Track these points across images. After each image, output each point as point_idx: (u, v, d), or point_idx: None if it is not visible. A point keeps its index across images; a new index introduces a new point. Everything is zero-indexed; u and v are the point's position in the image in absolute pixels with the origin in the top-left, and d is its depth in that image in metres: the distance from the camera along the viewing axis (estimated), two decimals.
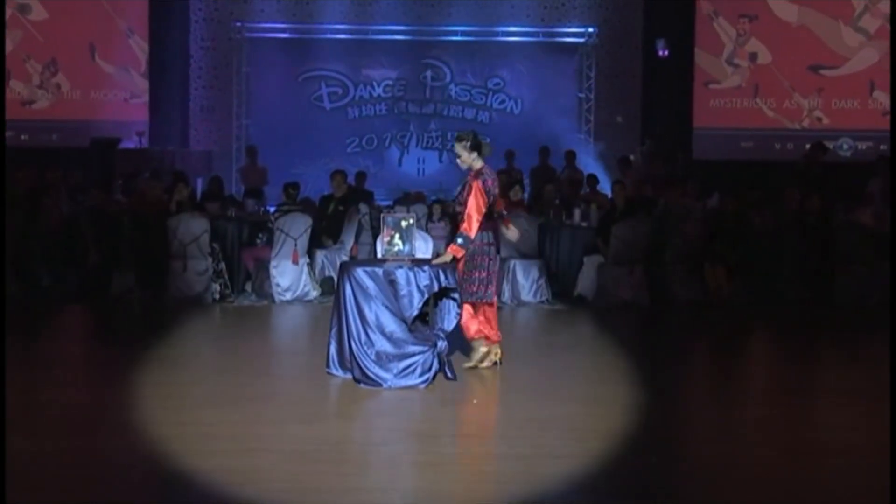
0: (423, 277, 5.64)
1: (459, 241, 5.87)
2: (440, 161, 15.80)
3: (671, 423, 5.16)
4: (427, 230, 10.06)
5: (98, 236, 9.25)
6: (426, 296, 5.67)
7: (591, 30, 15.36)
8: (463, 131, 6.32)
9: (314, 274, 9.62)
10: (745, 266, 9.35)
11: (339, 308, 5.74)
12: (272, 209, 10.16)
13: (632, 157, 14.10)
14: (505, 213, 6.49)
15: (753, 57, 14.45)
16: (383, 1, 15.40)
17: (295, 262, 9.14)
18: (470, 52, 15.65)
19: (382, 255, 5.83)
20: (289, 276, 9.17)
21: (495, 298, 6.21)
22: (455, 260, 5.86)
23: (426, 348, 5.67)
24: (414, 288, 5.63)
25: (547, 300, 9.34)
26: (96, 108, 14.69)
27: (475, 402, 5.40)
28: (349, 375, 5.74)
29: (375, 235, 11.12)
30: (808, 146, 12.43)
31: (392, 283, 5.64)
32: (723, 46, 14.50)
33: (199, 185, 13.43)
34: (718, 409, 5.48)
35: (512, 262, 9.32)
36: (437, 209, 11.41)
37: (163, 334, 7.34)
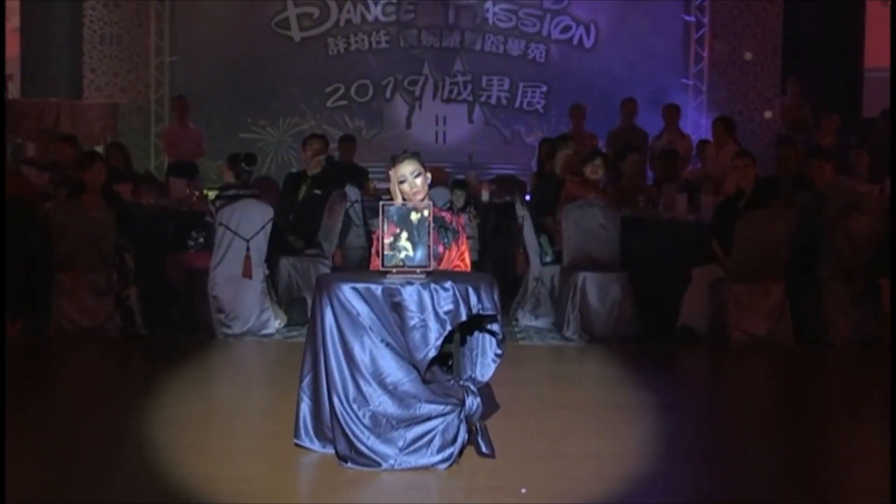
0: (445, 299, 5.63)
1: None
2: (469, 121, 15.87)
3: None
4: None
5: None
6: (449, 328, 5.68)
7: None
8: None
9: (276, 294, 9.65)
10: None
11: (315, 346, 5.77)
12: (212, 194, 10.23)
13: (767, 115, 14.08)
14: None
15: None
16: None
17: (247, 275, 9.19)
18: None
19: (382, 265, 5.84)
20: (238, 296, 9.22)
21: None
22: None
23: (449, 408, 5.68)
24: (430, 315, 5.63)
25: (635, 335, 9.34)
26: None
27: (524, 491, 5.40)
28: (330, 450, 5.76)
29: (370, 234, 11.18)
30: None
31: (397, 307, 5.65)
32: None
33: None
34: None
35: (580, 276, 9.32)
36: (459, 195, 11.42)
37: (41, 389, 7.37)
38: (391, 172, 6.22)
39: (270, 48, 15.58)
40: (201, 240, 9.52)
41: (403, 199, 6.13)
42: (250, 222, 9.23)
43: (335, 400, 5.67)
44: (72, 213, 9.14)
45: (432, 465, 5.63)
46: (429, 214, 5.74)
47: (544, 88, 15.72)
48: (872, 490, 5.70)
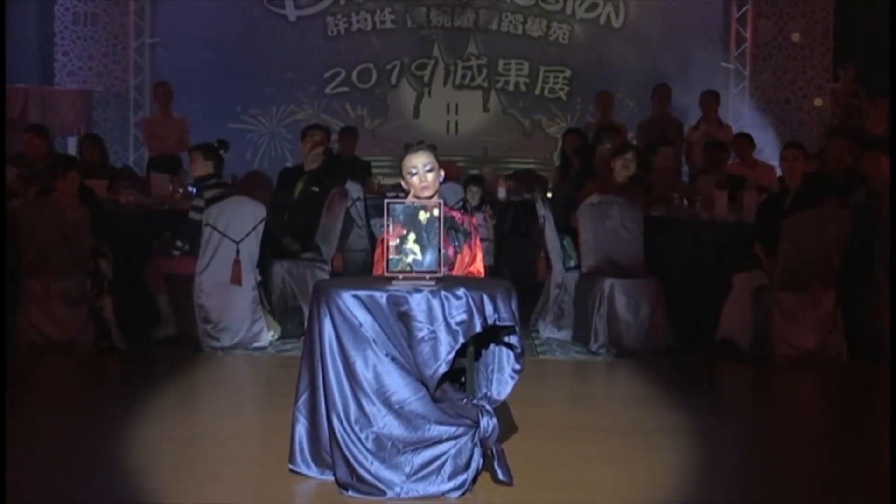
0: (457, 308, 5.62)
1: None
2: (485, 109, 15.87)
3: None
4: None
5: None
6: (461, 340, 5.67)
7: None
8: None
9: (269, 302, 9.64)
10: None
11: (312, 361, 5.77)
12: (197, 191, 10.22)
13: (816, 103, 14.04)
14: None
15: None
16: None
17: (237, 281, 9.19)
18: None
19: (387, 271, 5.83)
20: (227, 305, 9.23)
21: None
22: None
23: (462, 430, 5.67)
24: (440, 327, 5.62)
25: (669, 348, 9.33)
26: None
27: None
28: (329, 476, 5.75)
29: (373, 236, 11.18)
30: None
31: (403, 317, 5.64)
32: None
33: (71, 149, 13.54)
34: None
35: (607, 284, 9.31)
36: (473, 192, 11.42)
37: (6, 409, 7.36)
38: (402, 162, 6.20)
39: (263, 29, 15.58)
40: (185, 244, 9.47)
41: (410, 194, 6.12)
42: (240, 222, 9.22)
43: (335, 421, 5.66)
44: (42, 212, 9.12)
45: (443, 494, 5.61)
46: (439, 214, 5.72)
47: (568, 73, 15.71)
48: None
